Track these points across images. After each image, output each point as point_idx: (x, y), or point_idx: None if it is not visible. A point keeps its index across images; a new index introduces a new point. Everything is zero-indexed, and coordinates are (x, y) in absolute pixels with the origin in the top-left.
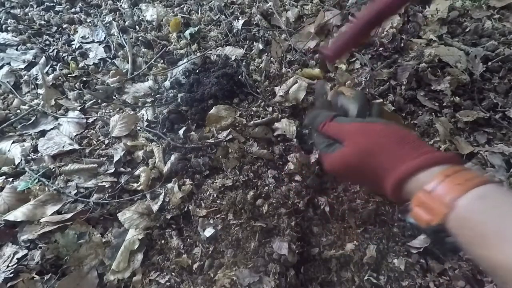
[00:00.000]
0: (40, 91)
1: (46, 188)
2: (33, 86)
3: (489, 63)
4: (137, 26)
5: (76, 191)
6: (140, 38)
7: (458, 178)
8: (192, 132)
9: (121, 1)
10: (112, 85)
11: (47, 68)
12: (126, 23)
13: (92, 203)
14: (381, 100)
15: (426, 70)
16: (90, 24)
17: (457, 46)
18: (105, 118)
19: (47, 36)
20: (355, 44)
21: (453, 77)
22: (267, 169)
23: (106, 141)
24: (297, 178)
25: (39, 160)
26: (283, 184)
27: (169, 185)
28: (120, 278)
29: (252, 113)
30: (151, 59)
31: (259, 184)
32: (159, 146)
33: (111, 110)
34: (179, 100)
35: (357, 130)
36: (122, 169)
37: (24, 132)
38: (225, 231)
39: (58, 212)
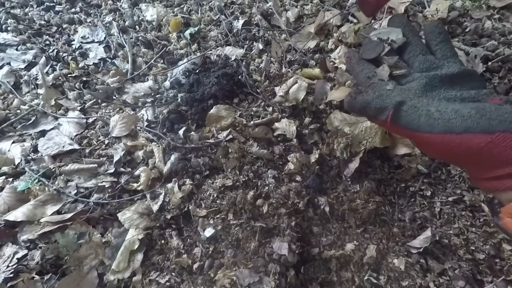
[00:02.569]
0: (40, 91)
1: (46, 188)
2: (33, 86)
3: (489, 63)
4: (137, 26)
5: (76, 191)
6: (140, 38)
7: None
8: (192, 132)
9: (121, 1)
10: (112, 85)
11: (47, 68)
12: (126, 23)
13: (92, 203)
14: None
15: None
16: (90, 24)
17: (457, 46)
18: (105, 118)
19: (47, 36)
20: None
21: None
22: (267, 169)
23: (106, 141)
24: (297, 178)
25: (39, 160)
26: (283, 184)
27: (169, 185)
28: (120, 278)
29: (252, 113)
30: (151, 59)
31: (259, 184)
32: (159, 146)
33: (111, 110)
34: (179, 100)
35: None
36: (122, 169)
37: (24, 132)
38: (225, 231)
39: (58, 212)
